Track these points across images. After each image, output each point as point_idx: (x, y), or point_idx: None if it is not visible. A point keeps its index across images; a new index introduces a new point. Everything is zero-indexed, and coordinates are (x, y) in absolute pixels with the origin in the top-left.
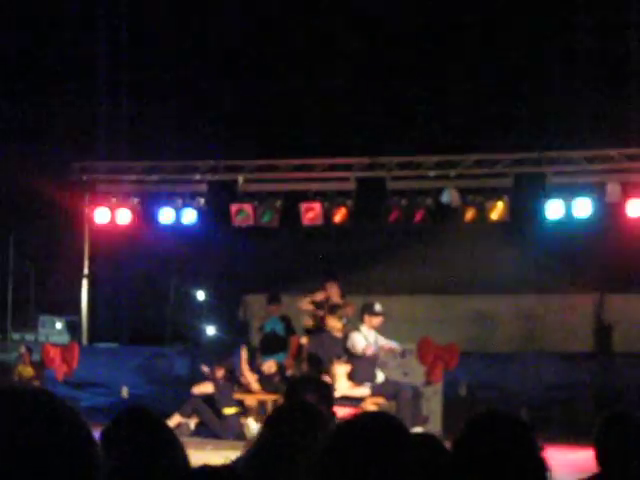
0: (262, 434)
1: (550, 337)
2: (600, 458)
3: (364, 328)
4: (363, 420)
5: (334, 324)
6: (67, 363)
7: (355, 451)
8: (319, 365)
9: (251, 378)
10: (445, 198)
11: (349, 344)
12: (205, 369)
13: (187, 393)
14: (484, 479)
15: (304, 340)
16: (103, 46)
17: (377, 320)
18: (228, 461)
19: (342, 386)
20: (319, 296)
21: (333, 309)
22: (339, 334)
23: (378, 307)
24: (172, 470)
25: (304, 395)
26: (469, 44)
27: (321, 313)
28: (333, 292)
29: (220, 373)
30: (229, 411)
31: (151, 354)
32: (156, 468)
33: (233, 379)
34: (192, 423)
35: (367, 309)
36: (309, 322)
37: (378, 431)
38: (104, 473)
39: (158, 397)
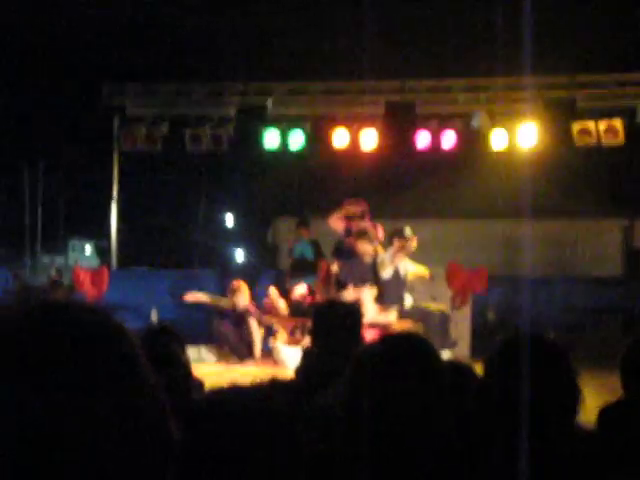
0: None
1: (579, 262)
2: (626, 382)
3: (390, 253)
4: (392, 341)
5: (364, 248)
6: (97, 286)
7: (382, 372)
8: (348, 290)
9: (280, 303)
10: (475, 122)
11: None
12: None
13: (216, 317)
14: (516, 402)
15: (334, 266)
16: None
17: (407, 244)
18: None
19: (370, 311)
20: (353, 208)
21: (362, 233)
22: (369, 259)
23: (408, 231)
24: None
25: (332, 318)
26: None
27: (350, 240)
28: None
29: (242, 298)
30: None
31: (181, 277)
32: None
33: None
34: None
35: (397, 234)
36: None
37: (407, 351)
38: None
39: (187, 320)
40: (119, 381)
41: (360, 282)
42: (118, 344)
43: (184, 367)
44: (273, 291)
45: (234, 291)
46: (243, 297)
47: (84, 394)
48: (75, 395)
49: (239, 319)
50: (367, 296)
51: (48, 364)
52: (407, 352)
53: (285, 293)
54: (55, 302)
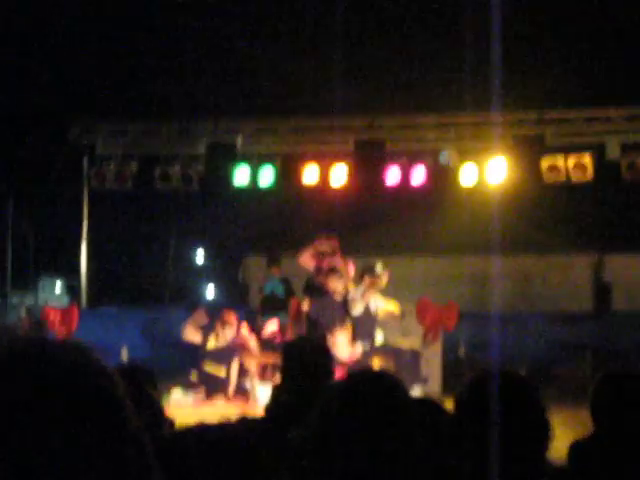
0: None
1: (549, 297)
2: (596, 417)
3: (361, 290)
4: (359, 377)
5: (335, 286)
6: (67, 325)
7: (348, 408)
8: (319, 327)
9: (251, 340)
10: (444, 159)
11: (348, 305)
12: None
13: (187, 355)
14: (486, 438)
15: (305, 304)
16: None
17: (378, 281)
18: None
19: (343, 353)
20: (324, 246)
21: (332, 270)
22: (340, 296)
23: (379, 268)
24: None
25: (302, 355)
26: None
27: (320, 278)
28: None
29: (230, 333)
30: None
31: (151, 316)
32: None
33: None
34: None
35: (367, 270)
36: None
37: (373, 387)
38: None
39: (159, 359)
40: (103, 421)
41: (331, 319)
42: (100, 383)
43: (156, 406)
44: (244, 329)
45: (225, 323)
46: (231, 330)
47: (66, 436)
48: (56, 436)
49: (221, 356)
50: (341, 339)
51: (26, 403)
52: (373, 388)
53: (256, 330)
54: (34, 339)
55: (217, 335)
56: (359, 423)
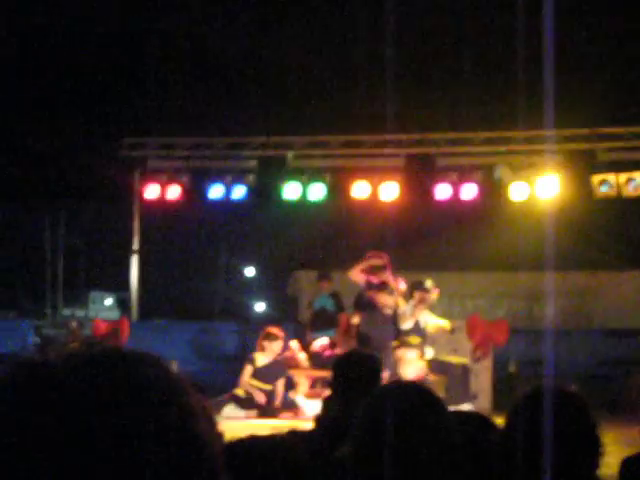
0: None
1: (600, 313)
2: None
3: (411, 305)
4: (395, 390)
5: (385, 301)
6: (117, 338)
7: (387, 423)
8: (369, 342)
9: (301, 355)
10: (497, 174)
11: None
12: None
13: (237, 368)
14: (538, 455)
15: (355, 319)
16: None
17: (428, 296)
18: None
19: (410, 371)
20: (374, 261)
21: (383, 286)
22: (390, 311)
23: (429, 284)
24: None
25: (352, 369)
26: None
27: (371, 293)
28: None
29: (278, 345)
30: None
31: (201, 329)
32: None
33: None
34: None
35: (417, 286)
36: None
37: (410, 401)
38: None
39: (207, 372)
40: (179, 439)
41: (381, 335)
42: (179, 398)
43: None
44: (294, 344)
45: (270, 337)
46: (278, 344)
47: (139, 451)
48: (127, 452)
49: (269, 373)
50: (411, 354)
51: (101, 414)
52: (413, 404)
53: (305, 345)
54: (112, 349)
55: (264, 349)
56: (397, 440)
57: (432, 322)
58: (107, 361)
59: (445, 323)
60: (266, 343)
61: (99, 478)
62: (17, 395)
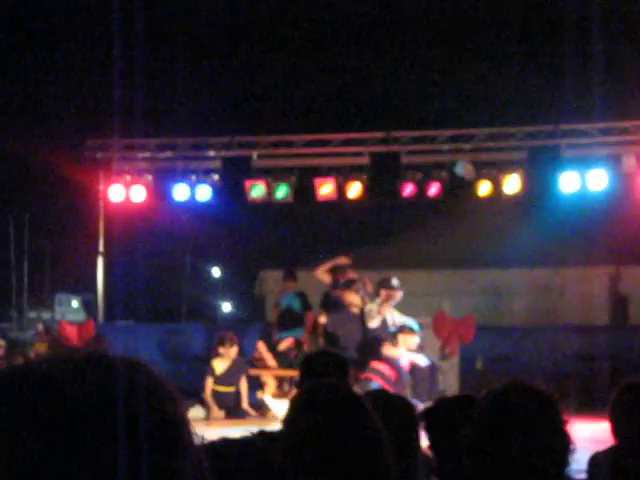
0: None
1: (566, 310)
2: (616, 430)
3: (377, 303)
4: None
5: (352, 299)
6: (83, 340)
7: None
8: (336, 341)
9: (268, 355)
10: (459, 170)
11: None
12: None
13: (204, 369)
14: (506, 452)
15: (322, 318)
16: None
17: (394, 294)
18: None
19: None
20: (340, 260)
21: (349, 284)
22: (357, 310)
23: (395, 281)
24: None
25: (319, 369)
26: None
27: (337, 292)
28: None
29: (234, 351)
30: (225, 389)
31: (168, 331)
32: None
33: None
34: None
35: (384, 283)
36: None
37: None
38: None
39: (175, 374)
40: (162, 444)
41: (349, 333)
42: (163, 402)
43: None
44: (261, 344)
45: (226, 342)
46: (234, 348)
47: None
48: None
49: (230, 376)
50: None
51: (87, 419)
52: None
53: (272, 345)
54: (95, 355)
55: (222, 356)
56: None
57: (399, 320)
58: (103, 367)
59: (412, 322)
60: (222, 349)
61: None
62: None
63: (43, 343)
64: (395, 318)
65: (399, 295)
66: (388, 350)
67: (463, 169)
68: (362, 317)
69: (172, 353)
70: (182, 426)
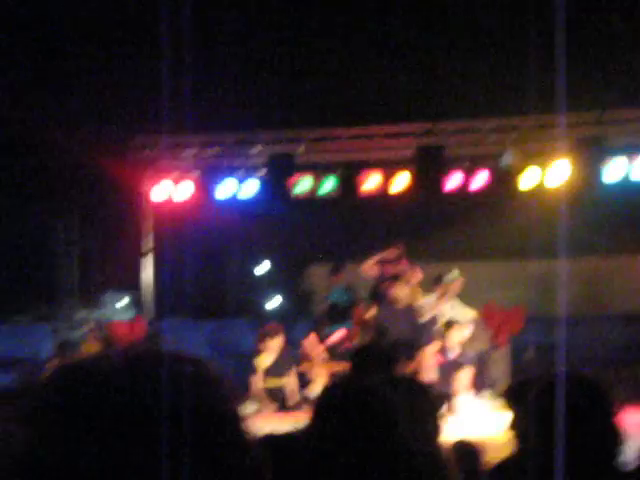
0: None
1: (614, 299)
2: None
3: (433, 298)
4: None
5: (399, 293)
6: (134, 338)
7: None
8: (385, 334)
9: (318, 349)
10: (505, 162)
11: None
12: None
13: (252, 366)
14: (554, 443)
15: (371, 311)
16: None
17: (449, 289)
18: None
19: (430, 375)
20: (387, 254)
21: (396, 277)
22: (404, 303)
23: (450, 275)
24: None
25: (368, 362)
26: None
27: (384, 285)
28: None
29: (279, 342)
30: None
31: (216, 328)
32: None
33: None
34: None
35: (437, 280)
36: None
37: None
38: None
39: (225, 370)
40: (212, 439)
41: (396, 327)
42: (213, 396)
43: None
44: (312, 338)
45: (268, 336)
46: (277, 340)
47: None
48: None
49: (278, 367)
50: (428, 359)
51: (140, 416)
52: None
53: (322, 339)
54: (151, 351)
55: (266, 350)
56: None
57: (456, 313)
58: (153, 362)
59: (470, 313)
60: (262, 345)
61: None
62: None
63: (94, 343)
64: (448, 311)
65: (456, 287)
66: (434, 346)
67: (509, 160)
68: (411, 311)
69: (221, 350)
70: (234, 421)
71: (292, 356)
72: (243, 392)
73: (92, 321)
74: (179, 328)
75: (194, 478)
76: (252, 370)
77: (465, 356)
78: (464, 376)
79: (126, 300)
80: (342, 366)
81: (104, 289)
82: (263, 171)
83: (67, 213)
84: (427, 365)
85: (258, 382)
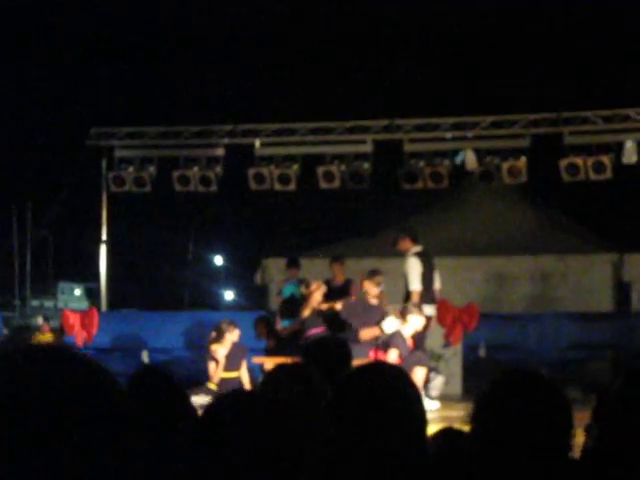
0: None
1: (568, 297)
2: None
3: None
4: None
5: (370, 289)
6: (87, 329)
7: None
8: (343, 329)
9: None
10: (461, 160)
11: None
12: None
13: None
14: (510, 438)
15: (338, 305)
16: (122, 11)
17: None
18: None
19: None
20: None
21: (371, 273)
22: (374, 301)
23: (375, 281)
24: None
25: (320, 355)
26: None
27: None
28: (337, 274)
29: (236, 334)
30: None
31: (170, 318)
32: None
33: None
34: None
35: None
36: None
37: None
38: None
39: (179, 361)
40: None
41: (361, 322)
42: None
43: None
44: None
45: (224, 331)
46: (232, 334)
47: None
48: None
49: (231, 360)
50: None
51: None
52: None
53: (275, 332)
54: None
55: (221, 343)
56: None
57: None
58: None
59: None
60: (222, 338)
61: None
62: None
63: (44, 334)
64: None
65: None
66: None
67: (465, 158)
68: (379, 310)
69: (175, 341)
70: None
71: (244, 350)
72: (197, 384)
73: (42, 314)
74: (133, 318)
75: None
76: (212, 359)
77: (418, 355)
78: (419, 375)
79: (79, 290)
80: (295, 359)
81: (58, 279)
82: (222, 163)
83: (20, 202)
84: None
85: (219, 371)
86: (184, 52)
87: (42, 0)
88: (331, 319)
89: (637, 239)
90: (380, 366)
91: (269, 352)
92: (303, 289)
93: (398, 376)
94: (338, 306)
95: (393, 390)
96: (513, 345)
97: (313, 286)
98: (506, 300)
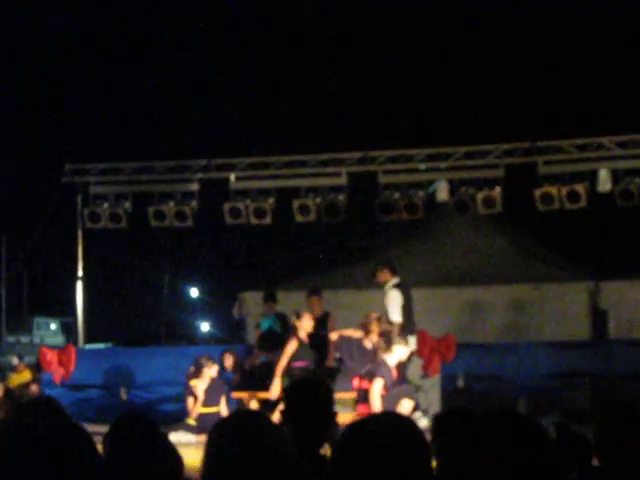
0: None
1: (545, 326)
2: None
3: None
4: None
5: (374, 327)
6: (64, 366)
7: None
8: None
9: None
10: (433, 190)
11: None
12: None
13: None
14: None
15: (334, 336)
16: (95, 47)
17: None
18: None
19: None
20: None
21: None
22: (369, 345)
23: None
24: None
25: (300, 395)
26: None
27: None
28: (315, 307)
29: (214, 370)
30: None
31: (148, 354)
32: (153, 470)
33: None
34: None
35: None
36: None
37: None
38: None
39: (157, 398)
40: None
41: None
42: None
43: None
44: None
45: (203, 366)
46: (211, 370)
47: None
48: None
49: (211, 395)
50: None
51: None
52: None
53: (251, 367)
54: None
55: (200, 378)
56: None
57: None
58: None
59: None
60: (201, 373)
61: None
62: None
63: (21, 374)
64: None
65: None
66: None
67: (439, 189)
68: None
69: (153, 376)
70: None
71: (223, 385)
72: (177, 420)
73: (16, 354)
74: (110, 355)
75: None
76: (190, 394)
77: (405, 388)
78: (406, 407)
79: (55, 325)
80: (269, 395)
81: (34, 314)
82: (197, 198)
83: None
84: (374, 396)
85: (197, 407)
86: (158, 87)
87: (14, 37)
88: (318, 348)
89: (613, 267)
90: (387, 420)
91: (234, 387)
92: (294, 319)
93: (407, 434)
94: (333, 337)
95: (403, 452)
96: (491, 375)
97: (305, 316)
98: (482, 330)
